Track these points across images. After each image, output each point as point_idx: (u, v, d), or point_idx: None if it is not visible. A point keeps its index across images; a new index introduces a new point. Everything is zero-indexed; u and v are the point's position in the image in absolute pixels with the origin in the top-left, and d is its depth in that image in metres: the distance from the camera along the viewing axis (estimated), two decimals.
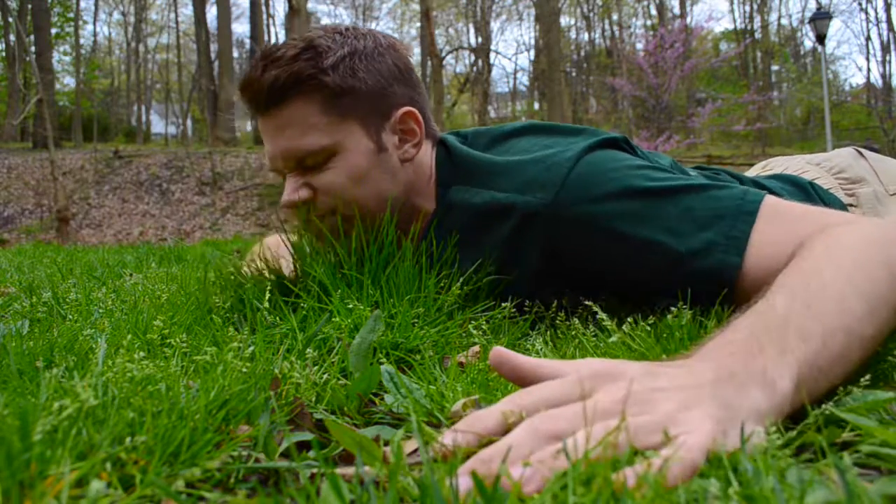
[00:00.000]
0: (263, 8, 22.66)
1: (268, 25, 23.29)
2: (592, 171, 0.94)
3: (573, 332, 0.90)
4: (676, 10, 24.59)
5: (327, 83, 1.02)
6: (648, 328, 0.83)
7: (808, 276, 0.65)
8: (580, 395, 0.49)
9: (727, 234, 0.84)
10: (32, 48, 16.84)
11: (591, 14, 26.63)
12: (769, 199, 0.86)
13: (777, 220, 0.83)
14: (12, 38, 18.01)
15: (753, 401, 0.50)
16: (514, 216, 0.99)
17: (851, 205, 1.25)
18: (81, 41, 24.47)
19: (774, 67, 27.33)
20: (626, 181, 0.91)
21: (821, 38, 12.82)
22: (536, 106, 26.53)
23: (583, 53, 27.60)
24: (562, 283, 1.03)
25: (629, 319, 0.86)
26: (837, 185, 1.31)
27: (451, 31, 29.91)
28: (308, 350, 0.83)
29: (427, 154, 1.13)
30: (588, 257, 0.96)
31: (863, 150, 1.41)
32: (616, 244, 0.92)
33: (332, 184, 1.04)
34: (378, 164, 1.06)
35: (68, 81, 25.26)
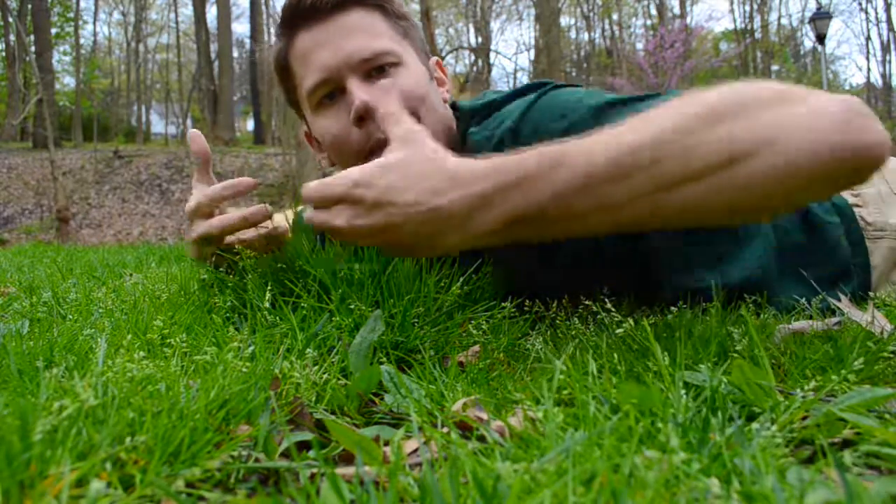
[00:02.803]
0: (263, 8, 22.67)
1: (268, 25, 23.29)
2: (552, 102, 0.99)
3: (573, 332, 0.91)
4: (676, 10, 24.58)
5: (394, 7, 1.04)
6: (649, 328, 0.83)
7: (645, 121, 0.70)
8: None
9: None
10: (32, 48, 16.84)
11: (591, 14, 26.62)
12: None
13: None
14: (12, 38, 18.00)
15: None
16: (491, 147, 1.01)
17: (856, 204, 1.25)
18: (81, 41, 24.46)
19: (774, 67, 27.31)
20: (583, 101, 0.97)
21: (821, 38, 12.82)
22: None
23: (583, 53, 27.60)
24: None
25: (629, 319, 0.86)
26: None
27: (451, 31, 29.91)
28: (308, 350, 0.83)
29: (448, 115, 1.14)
30: None
31: None
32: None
33: (405, 86, 1.00)
34: (432, 89, 1.07)
35: (68, 81, 25.27)
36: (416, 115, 1.01)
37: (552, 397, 0.52)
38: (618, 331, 0.82)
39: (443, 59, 1.24)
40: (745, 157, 0.66)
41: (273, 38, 1.11)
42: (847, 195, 1.27)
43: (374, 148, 0.98)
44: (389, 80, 1.01)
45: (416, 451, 0.53)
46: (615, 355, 0.72)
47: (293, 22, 1.03)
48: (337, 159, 1.07)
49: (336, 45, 0.99)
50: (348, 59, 0.99)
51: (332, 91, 1.02)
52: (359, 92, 0.97)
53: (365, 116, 0.97)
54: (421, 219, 0.72)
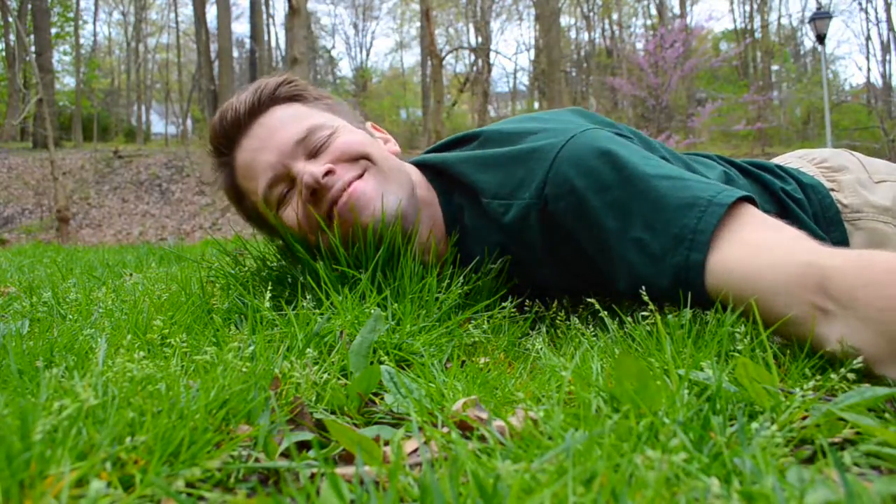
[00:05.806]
0: (263, 8, 22.67)
1: (268, 25, 23.34)
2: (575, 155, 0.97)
3: (573, 332, 0.90)
4: (676, 10, 24.57)
5: (310, 93, 1.12)
6: (649, 328, 0.83)
7: None
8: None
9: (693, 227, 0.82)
10: (32, 48, 16.83)
11: (591, 14, 26.60)
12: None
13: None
14: (12, 38, 17.97)
15: None
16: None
17: (833, 189, 1.26)
18: (81, 41, 24.46)
19: (774, 67, 27.27)
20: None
21: (821, 38, 12.80)
22: (536, 105, 26.52)
23: (583, 53, 27.59)
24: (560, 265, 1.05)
25: (629, 319, 0.86)
26: (819, 172, 1.32)
27: (451, 30, 29.91)
28: (308, 350, 0.83)
29: (406, 164, 1.17)
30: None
31: (852, 152, 1.42)
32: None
33: (348, 143, 1.05)
34: (377, 145, 1.11)
35: (68, 81, 25.24)
36: (366, 161, 1.06)
37: (560, 398, 0.52)
38: (618, 329, 0.81)
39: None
40: None
41: (218, 160, 1.14)
42: (823, 180, 1.28)
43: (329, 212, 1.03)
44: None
45: (416, 451, 0.53)
46: (616, 351, 0.72)
47: (224, 145, 1.10)
48: (310, 237, 1.10)
49: (270, 145, 1.05)
50: (285, 148, 1.04)
51: (286, 187, 1.07)
52: (307, 173, 1.01)
53: (316, 188, 1.02)
54: None
